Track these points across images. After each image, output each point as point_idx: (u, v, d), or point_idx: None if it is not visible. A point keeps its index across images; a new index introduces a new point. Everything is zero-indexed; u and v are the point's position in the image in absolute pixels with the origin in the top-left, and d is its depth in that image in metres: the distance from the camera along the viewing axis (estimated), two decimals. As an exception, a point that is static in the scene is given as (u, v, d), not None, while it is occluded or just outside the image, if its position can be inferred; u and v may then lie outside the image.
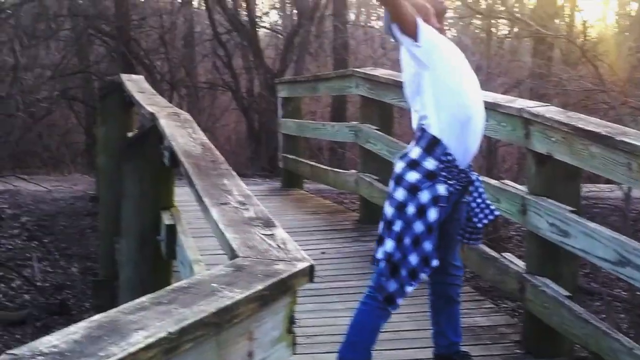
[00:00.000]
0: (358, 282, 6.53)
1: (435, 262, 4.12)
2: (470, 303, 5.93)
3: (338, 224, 8.59)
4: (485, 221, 4.32)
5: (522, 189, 5.35)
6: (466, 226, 4.36)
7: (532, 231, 5.10)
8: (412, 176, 4.10)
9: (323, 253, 7.37)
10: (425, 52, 4.14)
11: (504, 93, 10.93)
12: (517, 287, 5.28)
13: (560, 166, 4.90)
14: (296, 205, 9.63)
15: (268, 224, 2.99)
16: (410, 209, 4.07)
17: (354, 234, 8.10)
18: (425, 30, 4.15)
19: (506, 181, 5.77)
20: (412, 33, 4.11)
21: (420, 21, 4.14)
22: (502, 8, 15.17)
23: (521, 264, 5.39)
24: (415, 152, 4.16)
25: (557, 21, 15.11)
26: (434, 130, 4.13)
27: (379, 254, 4.17)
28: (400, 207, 4.09)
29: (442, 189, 4.09)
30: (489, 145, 10.38)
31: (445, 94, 4.16)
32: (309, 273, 2.57)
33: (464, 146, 4.18)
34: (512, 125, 5.29)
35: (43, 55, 16.90)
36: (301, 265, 2.54)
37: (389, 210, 4.15)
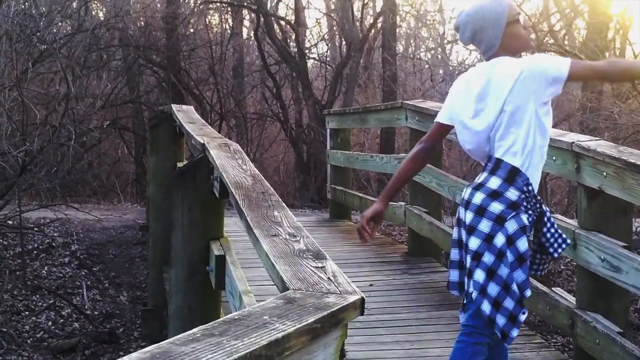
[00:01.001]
0: (407, 315, 6.52)
1: (528, 292, 4.02)
2: (520, 337, 5.86)
3: (386, 256, 8.57)
4: (559, 250, 4.15)
5: (572, 223, 5.31)
6: (534, 257, 4.18)
7: (582, 266, 5.06)
8: (496, 207, 3.98)
9: (371, 285, 7.35)
10: None
11: (554, 126, 10.87)
12: (567, 323, 5.23)
13: (611, 201, 4.86)
14: (344, 237, 9.62)
15: (318, 256, 2.99)
16: (500, 239, 3.95)
17: (403, 266, 8.07)
18: None
19: (556, 215, 5.73)
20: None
21: None
22: (552, 41, 15.12)
23: (571, 299, 5.34)
24: (494, 182, 4.03)
25: (607, 54, 15.02)
26: (516, 161, 4.02)
27: (471, 287, 4.03)
28: (488, 238, 3.98)
29: (525, 219, 3.98)
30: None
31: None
32: (360, 306, 2.57)
33: (537, 176, 4.10)
34: (562, 159, 5.26)
35: (94, 85, 17.11)
36: (352, 298, 2.54)
37: (474, 242, 4.01)
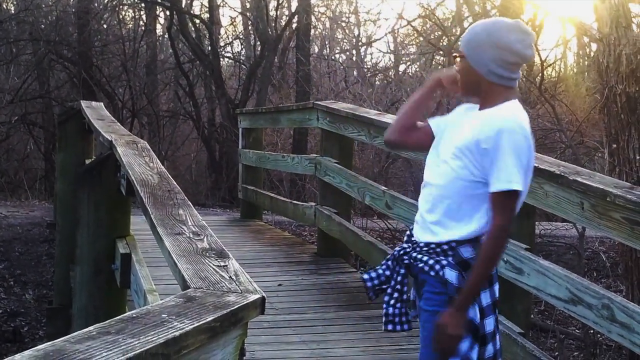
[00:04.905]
0: (314, 315, 6.54)
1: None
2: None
3: (296, 256, 8.58)
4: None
5: (477, 225, 5.37)
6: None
7: (486, 267, 5.12)
8: None
9: (280, 285, 7.36)
10: None
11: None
12: (471, 323, 5.30)
13: (515, 204, 4.93)
14: (255, 237, 9.61)
15: (221, 255, 2.99)
16: None
17: (312, 267, 8.09)
18: None
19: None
20: None
21: None
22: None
23: (475, 300, 5.41)
24: None
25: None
26: None
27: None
28: None
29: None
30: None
31: None
32: (260, 305, 2.57)
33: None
34: (469, 161, 5.31)
35: (3, 79, 16.81)
36: (252, 297, 2.54)
37: None
